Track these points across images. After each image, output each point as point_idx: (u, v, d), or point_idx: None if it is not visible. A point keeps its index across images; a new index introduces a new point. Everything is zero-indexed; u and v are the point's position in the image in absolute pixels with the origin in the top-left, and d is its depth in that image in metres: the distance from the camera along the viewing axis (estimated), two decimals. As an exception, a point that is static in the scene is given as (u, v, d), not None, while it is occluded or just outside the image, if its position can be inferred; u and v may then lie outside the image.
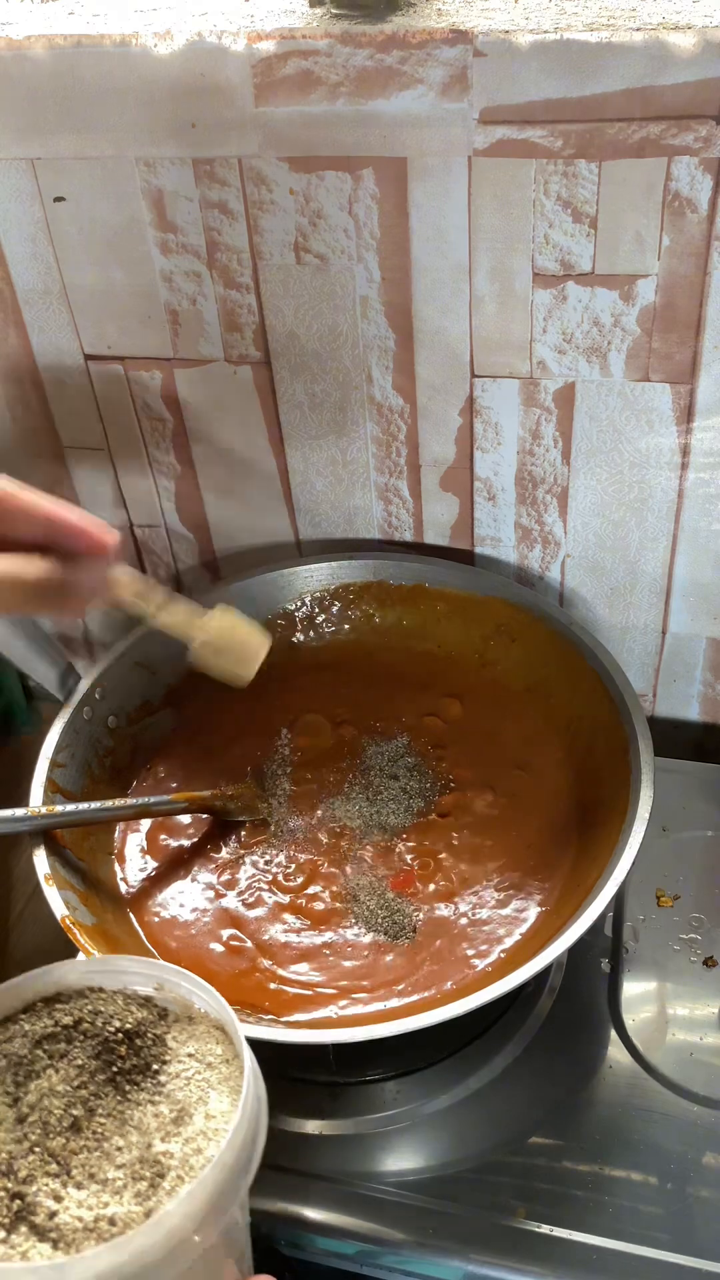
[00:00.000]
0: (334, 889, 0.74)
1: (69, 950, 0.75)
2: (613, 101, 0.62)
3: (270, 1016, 0.66)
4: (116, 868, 0.76)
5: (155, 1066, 0.51)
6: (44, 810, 0.69)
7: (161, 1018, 0.53)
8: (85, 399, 0.85)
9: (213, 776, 0.81)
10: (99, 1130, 0.47)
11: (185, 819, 0.78)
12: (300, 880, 0.74)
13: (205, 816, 0.78)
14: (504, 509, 0.84)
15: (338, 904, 0.73)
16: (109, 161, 0.71)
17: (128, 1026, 0.51)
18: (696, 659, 0.89)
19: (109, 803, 0.74)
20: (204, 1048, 0.52)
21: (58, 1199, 0.45)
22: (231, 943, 0.71)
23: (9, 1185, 0.45)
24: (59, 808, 0.70)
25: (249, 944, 0.71)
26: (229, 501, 0.90)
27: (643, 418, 0.76)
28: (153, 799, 0.76)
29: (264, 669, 0.89)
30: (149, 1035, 0.52)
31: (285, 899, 0.73)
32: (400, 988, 0.68)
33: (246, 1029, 0.61)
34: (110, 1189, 0.45)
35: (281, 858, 0.76)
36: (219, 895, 0.74)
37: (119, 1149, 0.47)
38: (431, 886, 0.73)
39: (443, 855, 0.75)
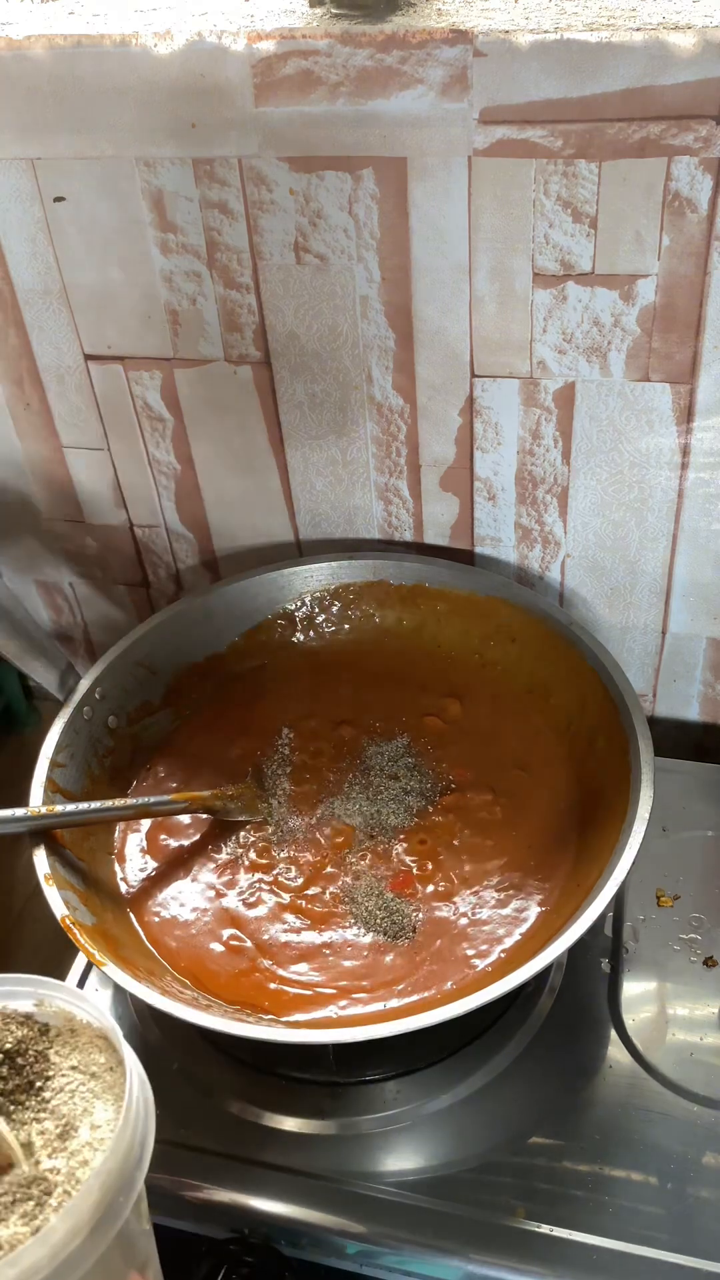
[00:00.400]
0: (334, 889, 0.74)
1: (69, 950, 0.75)
2: (613, 101, 0.62)
3: (270, 1016, 0.66)
4: (116, 868, 0.76)
5: (39, 1084, 0.50)
6: (44, 810, 0.69)
7: (43, 1033, 0.52)
8: (85, 399, 0.85)
9: (213, 776, 0.81)
10: None
11: (185, 819, 0.78)
12: (300, 880, 0.74)
13: (205, 816, 0.78)
14: (504, 509, 0.84)
15: (337, 904, 0.73)
16: (109, 161, 0.71)
17: (7, 1046, 0.51)
18: (696, 659, 0.89)
19: (109, 803, 0.74)
20: (87, 1058, 0.51)
21: None
22: (231, 943, 0.71)
23: None
24: (59, 808, 0.70)
25: (249, 944, 0.71)
26: (229, 501, 0.90)
27: (643, 418, 0.76)
28: (153, 799, 0.76)
29: (264, 669, 0.89)
30: (30, 1053, 0.51)
31: (285, 899, 0.73)
32: (400, 988, 0.68)
33: (247, 1029, 0.61)
34: None
35: (281, 858, 0.76)
36: (219, 895, 0.74)
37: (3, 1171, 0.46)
38: (431, 887, 0.73)
39: (442, 855, 0.75)
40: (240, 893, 0.74)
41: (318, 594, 0.88)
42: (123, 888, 0.75)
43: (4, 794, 0.74)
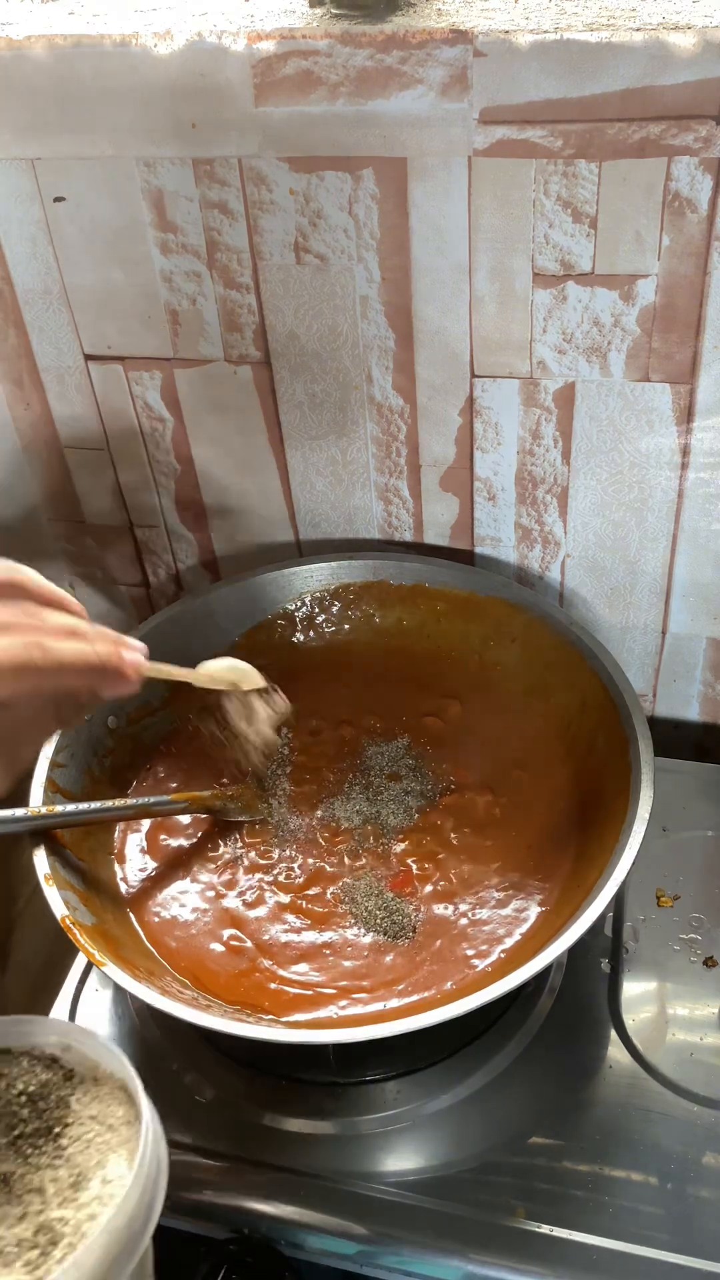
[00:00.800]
0: (334, 889, 0.73)
1: (69, 950, 0.75)
2: (613, 101, 0.62)
3: (270, 1016, 0.66)
4: (116, 868, 0.76)
5: (57, 1130, 0.50)
6: (44, 810, 0.69)
7: (67, 1079, 0.52)
8: (85, 399, 0.85)
9: (213, 776, 0.80)
10: None
11: (185, 819, 0.78)
12: (300, 880, 0.74)
13: (205, 816, 0.78)
14: (504, 509, 0.84)
15: (338, 904, 0.73)
16: (109, 161, 0.71)
17: (30, 1089, 0.51)
18: (696, 659, 0.89)
19: (109, 803, 0.74)
20: (107, 1109, 0.51)
21: None
22: (231, 943, 0.71)
23: None
24: (59, 808, 0.70)
25: (249, 944, 0.71)
26: (229, 501, 0.90)
27: (643, 418, 0.76)
28: (153, 799, 0.76)
29: (264, 669, 0.89)
30: (52, 1098, 0.51)
31: (285, 899, 0.73)
32: (400, 988, 0.68)
33: (247, 1029, 0.61)
34: (2, 1260, 0.45)
35: (281, 858, 0.76)
36: (219, 895, 0.74)
37: (17, 1217, 0.46)
38: (431, 887, 0.73)
39: (442, 855, 0.75)
40: (240, 893, 0.74)
41: (318, 594, 0.88)
42: (123, 888, 0.75)
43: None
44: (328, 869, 0.75)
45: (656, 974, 0.75)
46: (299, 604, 0.88)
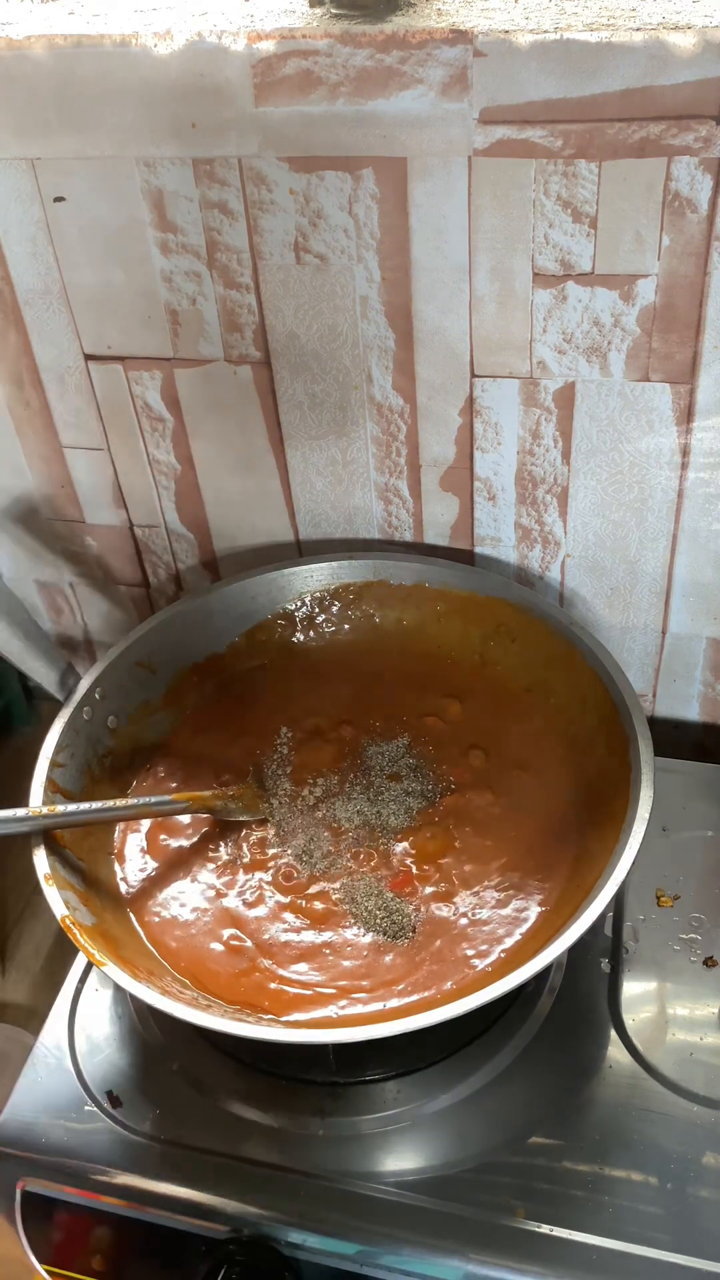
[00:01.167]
0: (334, 889, 0.73)
1: (69, 950, 0.75)
2: (613, 101, 0.62)
3: (270, 1016, 0.66)
4: (116, 868, 0.76)
5: None
6: (44, 810, 0.69)
7: None
8: (85, 399, 0.85)
9: (213, 776, 0.80)
10: None
11: (185, 819, 0.78)
12: (300, 880, 0.74)
13: (205, 816, 0.78)
14: (504, 509, 0.84)
15: (337, 904, 0.73)
16: (109, 161, 0.71)
17: None
18: (696, 659, 0.89)
19: (109, 803, 0.74)
20: None
21: None
22: (231, 942, 0.71)
23: None
24: (59, 808, 0.70)
25: (249, 944, 0.71)
26: (229, 501, 0.90)
27: (643, 418, 0.76)
28: (153, 799, 0.76)
29: (264, 669, 0.89)
30: None
31: (285, 899, 0.73)
32: (400, 988, 0.68)
33: (247, 1029, 0.61)
34: None
35: (282, 858, 0.76)
36: (219, 895, 0.74)
37: None
38: (431, 887, 0.73)
39: (442, 856, 0.75)
40: (240, 893, 0.74)
41: (318, 594, 0.88)
42: (123, 888, 0.75)
43: (4, 794, 0.74)
44: (328, 869, 0.75)
45: (656, 974, 0.75)
46: (299, 604, 0.88)
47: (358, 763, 0.81)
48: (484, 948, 0.69)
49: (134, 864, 0.76)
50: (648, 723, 0.72)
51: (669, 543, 0.82)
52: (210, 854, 0.77)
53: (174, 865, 0.76)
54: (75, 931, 0.64)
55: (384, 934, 0.70)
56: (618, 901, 0.78)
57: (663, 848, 0.81)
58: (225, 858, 0.76)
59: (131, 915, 0.73)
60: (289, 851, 0.76)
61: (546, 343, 0.74)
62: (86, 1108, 0.70)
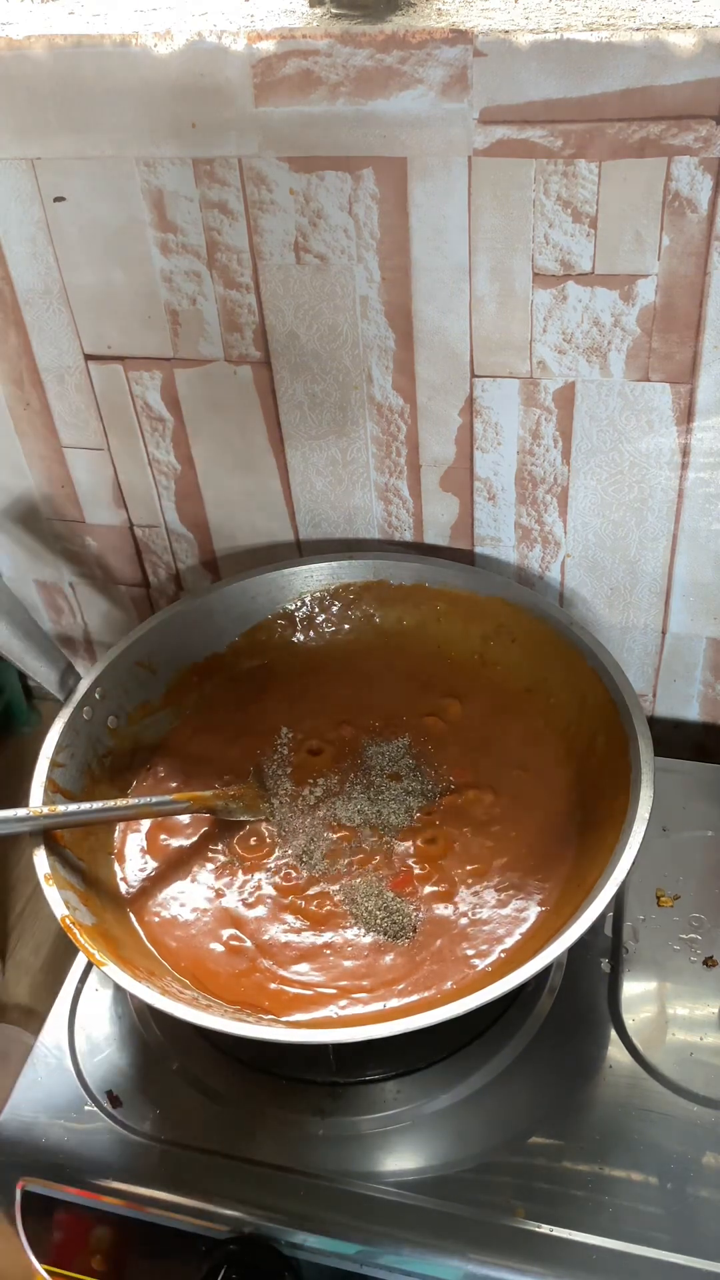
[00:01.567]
0: (334, 889, 0.73)
1: (69, 950, 0.75)
2: (613, 101, 0.62)
3: (270, 1016, 0.66)
4: (116, 868, 0.76)
5: None
6: (45, 810, 0.69)
7: None
8: (85, 399, 0.85)
9: (213, 776, 0.80)
10: None
11: (185, 819, 0.78)
12: (300, 881, 0.74)
13: (205, 816, 0.78)
14: (504, 509, 0.84)
15: (338, 904, 0.73)
16: (109, 161, 0.71)
17: None
18: (696, 659, 0.89)
19: (109, 803, 0.74)
20: None
21: None
22: (231, 943, 0.71)
23: None
24: (60, 808, 0.70)
25: (249, 944, 0.71)
26: (229, 501, 0.90)
27: (643, 418, 0.76)
28: (154, 799, 0.76)
29: (265, 669, 0.89)
30: None
31: (285, 899, 0.73)
32: (400, 988, 0.68)
33: (247, 1029, 0.61)
34: None
35: (282, 858, 0.76)
36: (219, 895, 0.74)
37: None
38: (431, 887, 0.73)
39: (443, 856, 0.75)
40: (240, 893, 0.74)
41: (318, 594, 0.88)
42: (123, 888, 0.75)
43: (4, 794, 0.74)
44: (328, 869, 0.75)
45: (656, 974, 0.75)
46: (299, 604, 0.88)
47: (358, 763, 0.81)
48: (484, 948, 0.69)
49: (134, 864, 0.76)
50: (648, 723, 0.72)
51: (669, 543, 0.82)
52: (210, 854, 0.77)
53: (174, 865, 0.76)
54: (75, 931, 0.64)
55: (384, 934, 0.70)
56: (618, 901, 0.78)
57: (663, 848, 0.81)
58: (225, 858, 0.76)
59: (131, 915, 0.73)
60: (289, 852, 0.76)
61: (546, 343, 0.74)
62: (86, 1108, 0.70)
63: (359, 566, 0.88)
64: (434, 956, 0.69)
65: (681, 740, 0.95)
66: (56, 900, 0.65)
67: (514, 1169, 0.66)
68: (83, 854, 0.73)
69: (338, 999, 0.67)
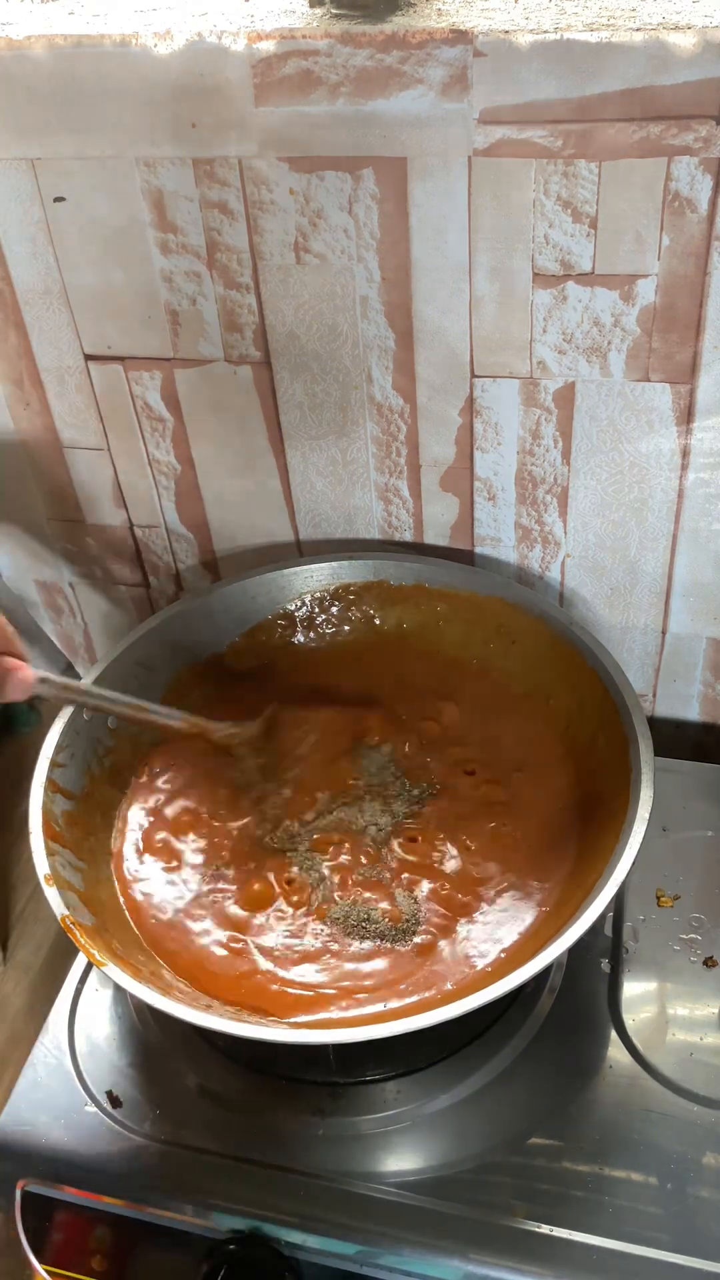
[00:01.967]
0: (335, 890, 0.73)
1: (69, 950, 0.75)
2: (613, 101, 0.62)
3: (270, 1017, 0.66)
4: (116, 868, 0.76)
5: None
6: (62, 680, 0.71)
7: None
8: (85, 399, 0.85)
9: (212, 775, 0.80)
10: None
11: (186, 818, 0.78)
12: (300, 882, 0.74)
13: (205, 818, 0.78)
14: (504, 509, 0.84)
15: (338, 905, 0.72)
16: (109, 161, 0.71)
17: None
18: (696, 659, 0.89)
19: (115, 694, 0.75)
20: None
21: None
22: (232, 944, 0.71)
23: None
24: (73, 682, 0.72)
25: (249, 945, 0.71)
26: (229, 501, 0.90)
27: (643, 418, 0.76)
28: (161, 709, 0.76)
29: (265, 669, 0.89)
30: None
31: (286, 900, 0.73)
32: (400, 988, 0.68)
33: (247, 1029, 0.61)
34: None
35: (282, 858, 0.76)
36: (220, 896, 0.74)
37: None
38: (431, 888, 0.73)
39: (442, 856, 0.75)
40: (241, 895, 0.74)
41: (318, 594, 0.88)
42: (122, 888, 0.75)
43: (4, 794, 0.74)
44: (328, 871, 0.75)
45: (656, 974, 0.75)
46: (299, 604, 0.88)
47: (358, 763, 0.81)
48: (484, 948, 0.69)
49: (134, 864, 0.76)
50: (648, 723, 0.72)
51: (669, 543, 0.82)
52: (210, 855, 0.76)
53: (174, 866, 0.76)
54: (75, 931, 0.64)
55: (384, 935, 0.70)
56: (618, 901, 0.79)
57: (663, 848, 0.81)
58: (226, 859, 0.76)
59: (131, 916, 0.73)
60: (289, 853, 0.76)
61: (546, 343, 0.74)
62: (86, 1108, 0.70)
63: (359, 567, 0.88)
64: (434, 957, 0.69)
65: (681, 740, 0.95)
66: (56, 900, 0.65)
67: (514, 1169, 0.66)
68: (83, 854, 0.73)
69: (338, 999, 0.67)
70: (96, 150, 0.71)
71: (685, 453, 0.77)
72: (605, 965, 0.75)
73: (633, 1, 0.63)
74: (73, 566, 0.98)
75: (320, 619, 0.89)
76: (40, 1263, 0.70)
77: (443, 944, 0.70)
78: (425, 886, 0.73)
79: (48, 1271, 0.70)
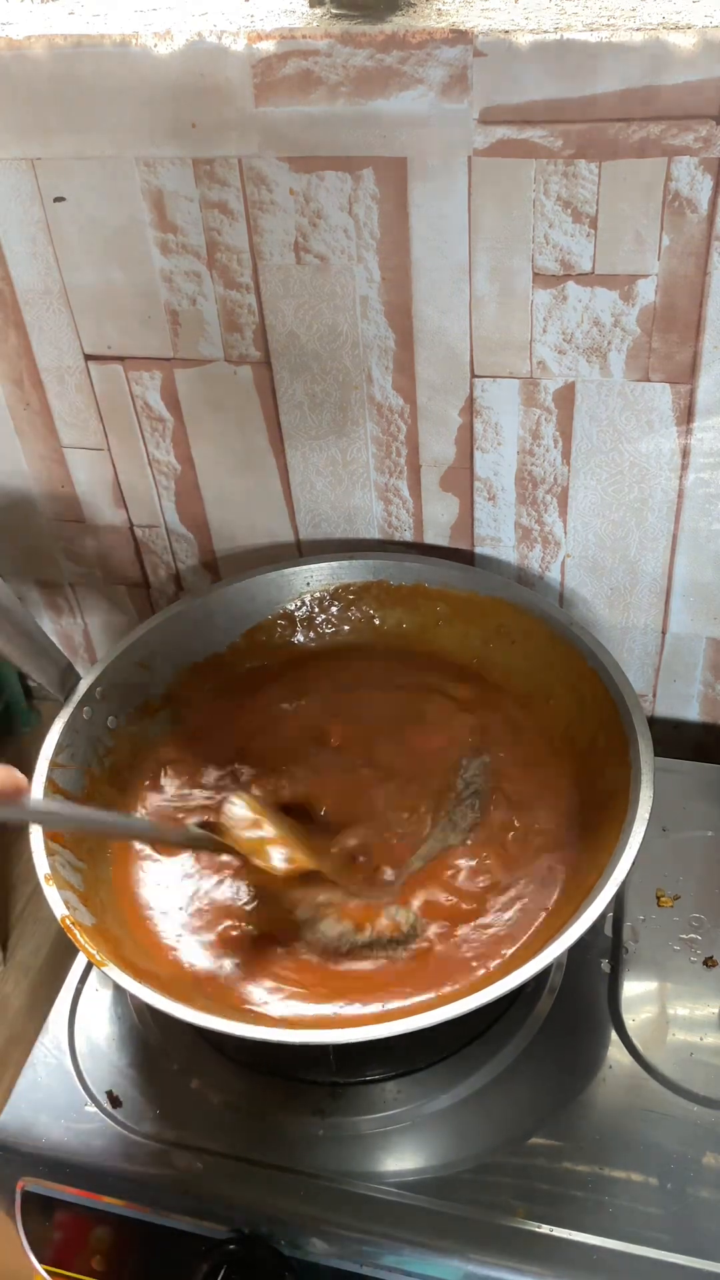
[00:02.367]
0: (335, 890, 0.73)
1: (69, 950, 0.75)
2: (613, 101, 0.62)
3: (271, 1016, 0.66)
4: (116, 868, 0.76)
5: None
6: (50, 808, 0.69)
7: None
8: (85, 399, 0.85)
9: (213, 776, 0.80)
10: None
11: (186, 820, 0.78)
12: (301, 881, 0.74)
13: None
14: (504, 509, 0.84)
15: (338, 905, 0.72)
16: (109, 161, 0.71)
17: None
18: (696, 659, 0.89)
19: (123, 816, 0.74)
20: None
21: None
22: (232, 944, 0.71)
23: None
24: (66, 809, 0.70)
25: (249, 945, 0.70)
26: (229, 501, 0.90)
27: (643, 418, 0.76)
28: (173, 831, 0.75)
29: (265, 669, 0.89)
30: None
31: (287, 901, 0.73)
32: (401, 988, 0.67)
33: (247, 1029, 0.61)
34: None
35: (283, 859, 0.75)
36: (220, 896, 0.74)
37: None
38: (431, 887, 0.73)
39: (441, 857, 0.75)
40: (241, 894, 0.74)
41: (318, 594, 0.88)
42: (123, 888, 0.75)
43: (4, 794, 0.74)
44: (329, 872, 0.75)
45: (656, 974, 0.75)
46: (299, 604, 0.88)
47: (359, 764, 0.81)
48: (484, 949, 0.69)
49: (134, 864, 0.76)
50: (648, 723, 0.72)
51: (669, 543, 0.82)
52: (212, 855, 0.76)
53: (175, 866, 0.76)
54: (75, 931, 0.64)
55: (385, 935, 0.70)
56: (618, 901, 0.79)
57: (663, 848, 0.81)
58: (226, 859, 0.76)
59: (131, 916, 0.73)
60: (290, 853, 0.76)
61: (546, 343, 0.74)
62: (86, 1108, 0.70)
63: (359, 567, 0.88)
64: (434, 957, 0.69)
65: (681, 740, 0.95)
66: (56, 900, 0.65)
67: (514, 1169, 0.66)
68: (83, 854, 0.73)
69: (338, 999, 0.67)
70: (96, 150, 0.71)
71: (685, 453, 0.77)
72: (605, 965, 0.75)
73: (633, 1, 0.63)
74: (73, 566, 0.98)
75: (320, 619, 0.89)
76: (40, 1263, 0.70)
77: (442, 944, 0.70)
78: (424, 886, 0.73)
79: (48, 1271, 0.70)
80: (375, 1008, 0.67)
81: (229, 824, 0.72)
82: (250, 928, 0.71)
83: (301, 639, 0.89)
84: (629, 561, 0.84)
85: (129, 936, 0.71)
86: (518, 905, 0.71)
